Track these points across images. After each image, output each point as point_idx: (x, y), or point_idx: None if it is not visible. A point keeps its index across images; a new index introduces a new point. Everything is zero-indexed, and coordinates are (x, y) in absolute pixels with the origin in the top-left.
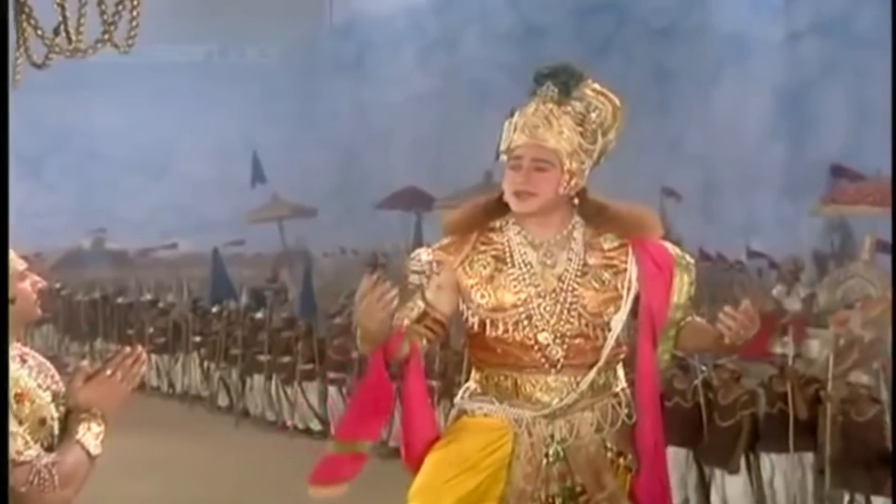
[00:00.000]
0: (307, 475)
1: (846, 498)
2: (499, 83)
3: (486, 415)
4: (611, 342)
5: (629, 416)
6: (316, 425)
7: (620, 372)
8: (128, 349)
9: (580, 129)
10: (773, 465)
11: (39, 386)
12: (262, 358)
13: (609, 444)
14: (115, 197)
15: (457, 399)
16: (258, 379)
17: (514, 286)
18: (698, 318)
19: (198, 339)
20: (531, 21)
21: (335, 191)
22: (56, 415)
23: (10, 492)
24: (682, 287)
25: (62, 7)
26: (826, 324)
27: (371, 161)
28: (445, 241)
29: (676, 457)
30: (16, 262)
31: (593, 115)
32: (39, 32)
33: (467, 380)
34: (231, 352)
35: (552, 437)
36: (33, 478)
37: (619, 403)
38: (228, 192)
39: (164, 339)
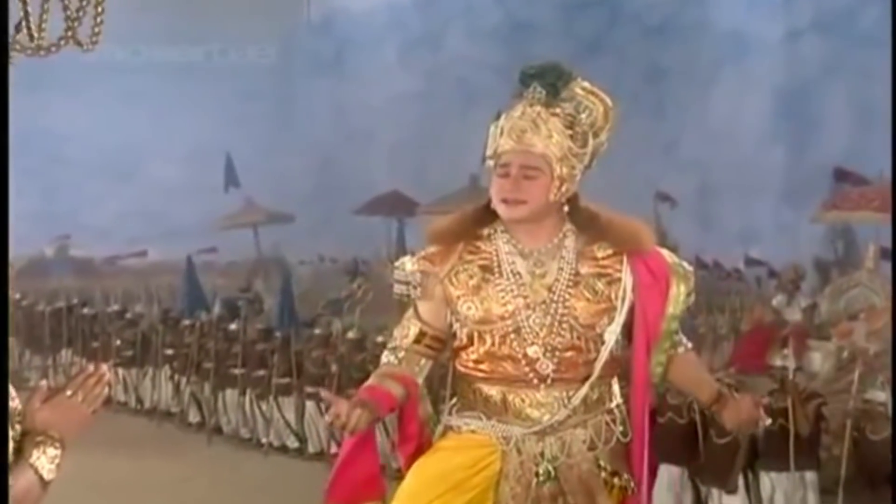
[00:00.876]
0: (281, 494)
1: None
2: (485, 83)
3: (473, 431)
4: (604, 355)
5: (624, 433)
6: (292, 442)
7: (615, 387)
8: (91, 368)
9: (570, 131)
10: (773, 484)
11: None
12: (236, 371)
13: (603, 463)
14: (80, 201)
15: (443, 416)
16: (231, 394)
17: (502, 297)
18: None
19: (168, 351)
20: (518, 17)
21: (313, 195)
22: (11, 434)
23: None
24: (678, 297)
25: (24, 3)
26: (828, 335)
27: (351, 164)
28: (431, 249)
29: (671, 476)
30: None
31: (584, 117)
32: None
33: (453, 394)
34: (203, 365)
35: (542, 455)
36: None
37: (614, 420)
38: (200, 196)
39: (132, 352)
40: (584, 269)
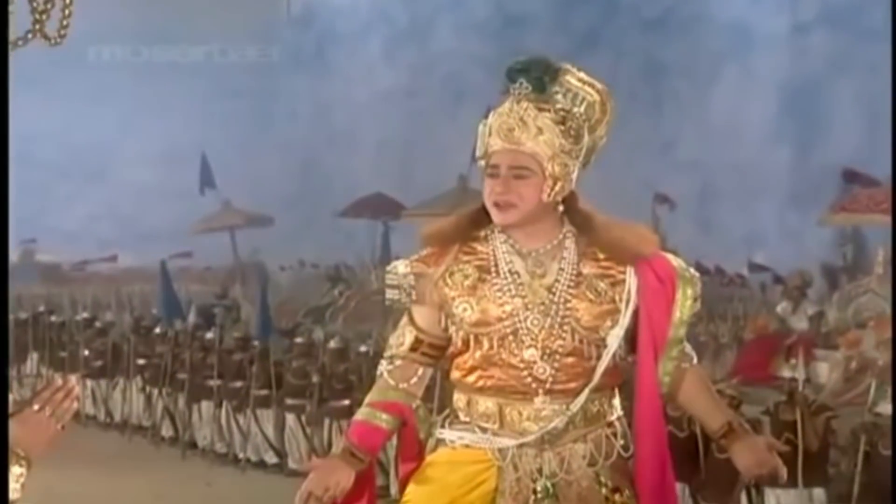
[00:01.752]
0: None
1: None
2: (474, 79)
3: (467, 446)
4: (606, 360)
5: (625, 447)
6: (271, 458)
7: (616, 400)
8: (59, 380)
9: (561, 127)
10: (780, 501)
11: None
12: (212, 383)
13: (603, 479)
14: (47, 204)
15: (435, 429)
16: (207, 406)
17: (499, 297)
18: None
19: (140, 362)
20: (510, 10)
21: (293, 198)
22: None
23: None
24: (685, 302)
25: None
26: (836, 345)
27: (333, 165)
28: (424, 252)
29: None
30: None
31: (579, 110)
32: None
33: (443, 406)
34: (177, 376)
35: (540, 471)
36: None
37: (615, 434)
38: (174, 198)
39: (102, 363)
40: (586, 270)
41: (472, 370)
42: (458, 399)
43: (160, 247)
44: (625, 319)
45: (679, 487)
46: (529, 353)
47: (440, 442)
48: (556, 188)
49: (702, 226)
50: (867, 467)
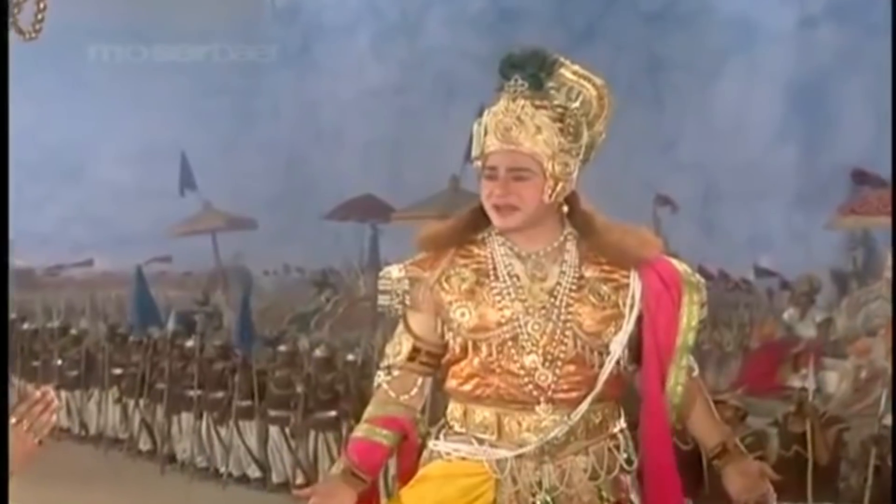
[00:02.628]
0: None
1: None
2: (467, 75)
3: (463, 458)
4: (609, 367)
5: (628, 461)
6: (254, 472)
7: (619, 412)
8: (37, 393)
9: (559, 125)
10: None
11: None
12: (192, 393)
13: (605, 494)
14: (18, 205)
15: (429, 440)
16: (187, 418)
17: (499, 301)
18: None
19: (116, 371)
20: (504, 3)
21: (277, 199)
22: None
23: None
24: (691, 307)
25: None
26: (845, 353)
27: (319, 165)
28: (419, 256)
29: None
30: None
31: (575, 105)
32: None
33: (434, 418)
34: (155, 386)
35: (540, 484)
36: None
37: (617, 447)
38: (152, 200)
39: (76, 372)
40: (588, 273)
41: (469, 378)
42: (454, 409)
43: (138, 250)
44: (629, 325)
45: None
46: (530, 360)
47: (435, 454)
48: (558, 189)
49: (705, 228)
50: (877, 482)
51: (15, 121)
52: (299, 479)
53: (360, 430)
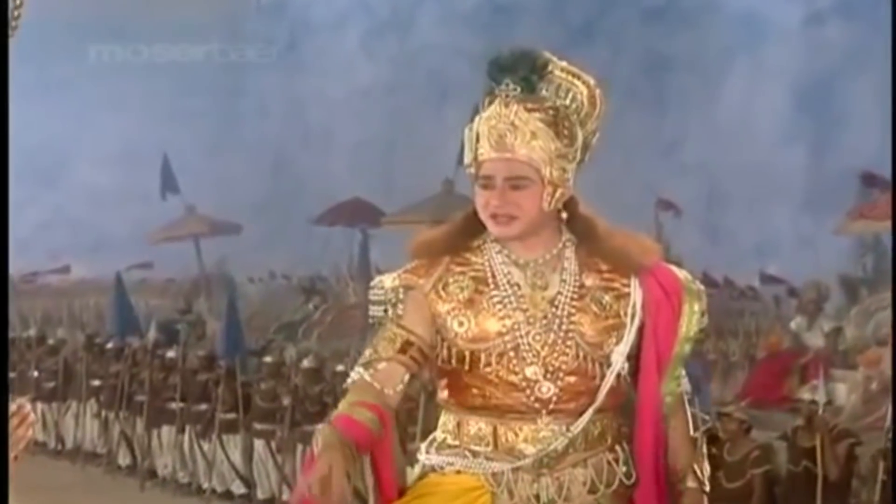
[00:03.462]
0: None
1: None
2: (461, 74)
3: (458, 471)
4: (610, 379)
5: (628, 475)
6: (238, 488)
7: (618, 423)
8: (12, 406)
9: (554, 129)
10: None
11: None
12: (174, 406)
13: None
14: None
15: (420, 453)
16: (168, 431)
17: (499, 310)
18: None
19: (94, 383)
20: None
21: (263, 203)
22: None
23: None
24: (691, 317)
25: None
26: (855, 364)
27: (307, 167)
28: (412, 263)
29: None
30: None
31: (568, 105)
32: None
33: (427, 431)
34: (135, 398)
35: (538, 498)
36: None
37: (617, 460)
38: (133, 204)
39: (54, 384)
40: (588, 281)
41: (464, 389)
42: (447, 421)
43: (117, 257)
44: (630, 336)
45: None
46: (532, 371)
47: (427, 469)
48: (557, 195)
49: (709, 234)
50: (884, 497)
51: None
52: (285, 496)
53: (340, 408)
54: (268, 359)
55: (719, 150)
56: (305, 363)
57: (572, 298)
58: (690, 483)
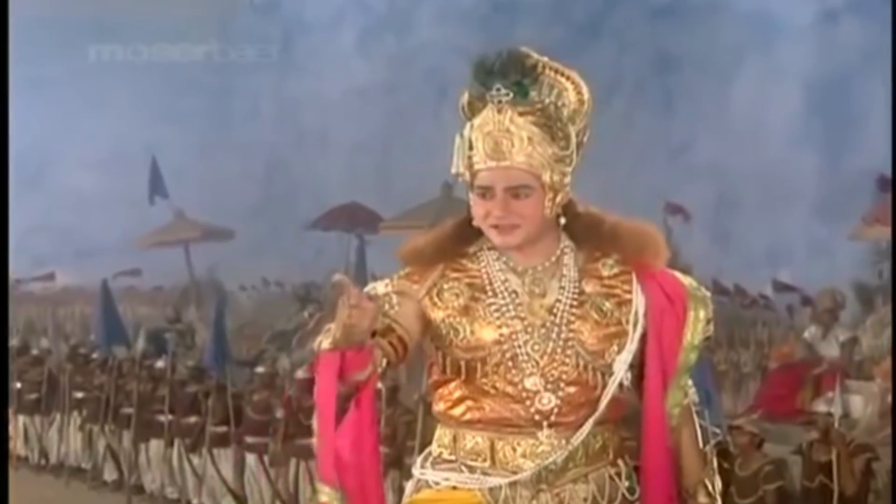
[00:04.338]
0: None
1: None
2: (460, 73)
3: (454, 487)
4: (612, 389)
5: (631, 490)
6: (229, 503)
7: (620, 436)
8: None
9: (549, 132)
10: None
11: None
12: (162, 419)
13: None
14: None
15: (415, 468)
16: (156, 445)
17: (497, 318)
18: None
19: (78, 395)
20: None
21: (256, 207)
22: None
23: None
24: (696, 324)
25: None
26: (871, 375)
27: (301, 170)
28: (405, 270)
29: None
30: None
31: (551, 99)
32: None
33: (424, 444)
34: (121, 411)
35: None
36: None
37: (619, 474)
38: (120, 208)
39: (37, 396)
40: (588, 288)
41: (459, 401)
42: (443, 435)
43: (104, 263)
44: (632, 344)
45: None
46: (532, 382)
47: (421, 484)
48: (557, 199)
49: (719, 239)
50: None
51: None
52: None
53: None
54: (260, 369)
55: (729, 153)
56: (299, 374)
57: (571, 306)
58: (702, 499)
